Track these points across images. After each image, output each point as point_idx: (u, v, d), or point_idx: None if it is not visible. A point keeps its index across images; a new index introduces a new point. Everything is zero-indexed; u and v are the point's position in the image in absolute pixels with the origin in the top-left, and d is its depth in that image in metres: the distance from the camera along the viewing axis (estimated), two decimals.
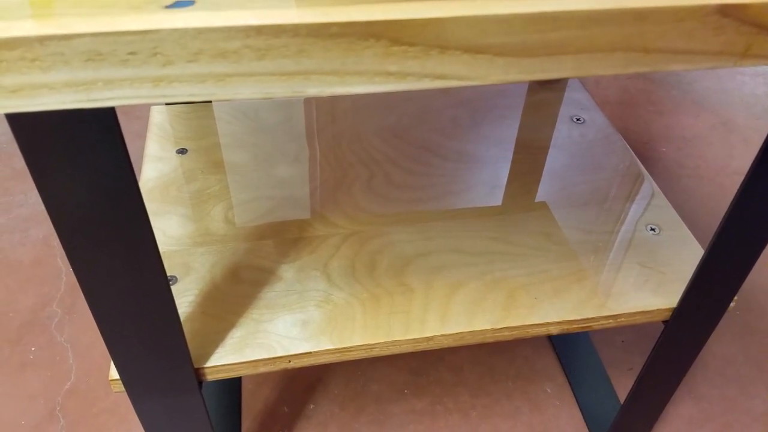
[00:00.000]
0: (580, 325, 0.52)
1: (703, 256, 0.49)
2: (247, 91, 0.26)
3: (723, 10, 0.27)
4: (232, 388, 0.75)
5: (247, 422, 0.72)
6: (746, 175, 0.44)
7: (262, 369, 0.48)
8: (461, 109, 0.74)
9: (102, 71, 0.25)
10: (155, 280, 0.39)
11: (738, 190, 0.45)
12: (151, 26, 0.24)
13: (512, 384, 0.77)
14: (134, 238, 0.36)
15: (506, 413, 0.74)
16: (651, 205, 0.62)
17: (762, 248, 0.49)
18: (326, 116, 0.72)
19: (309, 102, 0.74)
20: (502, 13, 0.25)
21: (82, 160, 0.32)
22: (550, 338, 0.83)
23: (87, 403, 0.73)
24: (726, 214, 0.46)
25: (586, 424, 0.74)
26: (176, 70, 0.25)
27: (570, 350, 0.81)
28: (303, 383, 0.76)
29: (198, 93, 0.26)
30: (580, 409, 0.75)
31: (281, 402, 0.74)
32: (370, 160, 0.67)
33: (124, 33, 0.24)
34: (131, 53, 0.25)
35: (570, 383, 0.78)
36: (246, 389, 0.76)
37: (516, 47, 0.27)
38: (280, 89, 0.26)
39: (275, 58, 0.25)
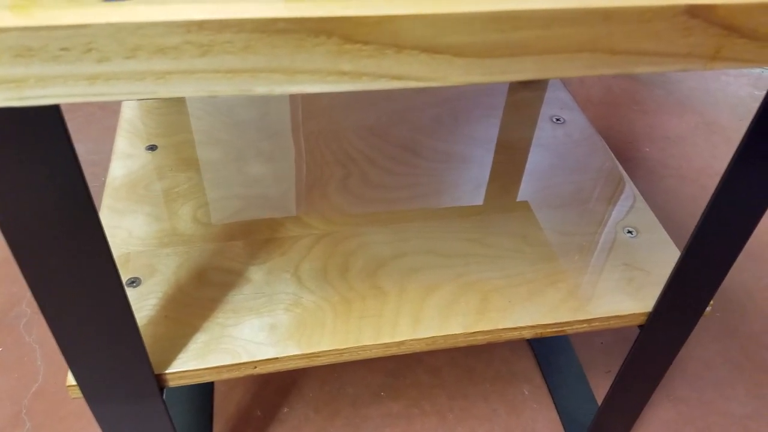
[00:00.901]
0: (554, 329, 0.51)
1: (678, 259, 0.48)
2: (189, 89, 0.24)
3: (691, 11, 0.26)
4: (203, 391, 0.73)
5: (219, 426, 0.71)
6: (722, 177, 0.43)
7: (227, 375, 0.47)
8: (441, 107, 0.73)
9: (33, 68, 0.23)
10: (109, 284, 0.37)
11: (714, 192, 0.44)
12: (84, 21, 0.22)
13: (490, 386, 0.77)
14: (85, 239, 0.35)
15: (483, 416, 0.73)
16: (629, 207, 0.62)
17: (738, 251, 0.48)
18: (303, 113, 0.71)
19: (285, 99, 0.73)
20: (460, 12, 0.24)
21: (26, 160, 0.31)
22: (529, 339, 0.82)
23: (54, 405, 0.72)
24: (702, 217, 0.45)
25: (564, 427, 0.73)
26: (113, 67, 0.24)
27: (548, 352, 0.80)
28: (277, 386, 0.75)
29: (137, 91, 0.24)
30: (558, 412, 0.74)
31: (254, 405, 0.73)
32: (347, 158, 0.65)
33: (55, 27, 0.22)
34: (64, 49, 0.23)
35: (548, 385, 0.77)
36: (218, 392, 0.74)
37: (476, 47, 0.25)
38: (225, 87, 0.24)
39: (219, 55, 0.24)
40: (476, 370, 0.78)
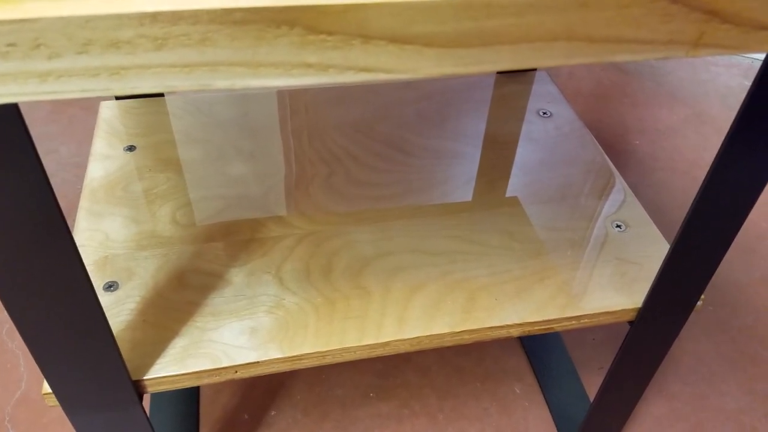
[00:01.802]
0: (542, 327, 0.50)
1: (668, 253, 0.48)
2: (146, 84, 0.23)
3: None
4: (189, 394, 0.72)
5: (205, 430, 0.70)
6: (710, 168, 0.42)
7: (207, 380, 0.45)
8: (426, 102, 0.72)
9: None
10: (80, 291, 0.36)
11: (702, 184, 0.43)
12: (30, 15, 0.21)
13: (481, 385, 0.76)
14: (53, 246, 0.33)
15: (474, 415, 0.72)
16: (618, 201, 0.61)
17: (729, 243, 0.48)
18: (285, 111, 0.70)
19: (267, 96, 0.71)
20: (429, 0, 0.23)
21: None
22: (520, 337, 0.81)
23: (37, 412, 0.70)
24: (690, 209, 0.45)
25: (556, 425, 0.72)
26: (64, 63, 0.22)
27: (540, 350, 0.79)
28: (264, 389, 0.74)
29: (92, 88, 0.23)
30: (550, 410, 0.73)
31: (241, 409, 0.72)
32: (330, 156, 0.64)
33: None
34: (10, 45, 0.22)
35: (539, 383, 0.76)
36: (205, 396, 0.73)
37: (447, 37, 0.24)
38: (184, 82, 0.23)
39: (175, 48, 0.22)
40: (466, 369, 0.77)
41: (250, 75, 0.24)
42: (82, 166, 1.03)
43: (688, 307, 0.52)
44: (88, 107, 1.15)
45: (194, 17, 0.22)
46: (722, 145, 0.40)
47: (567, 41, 0.25)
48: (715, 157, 0.41)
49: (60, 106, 1.15)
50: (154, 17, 0.22)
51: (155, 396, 0.71)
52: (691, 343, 0.82)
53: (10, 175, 0.30)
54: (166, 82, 0.23)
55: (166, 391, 0.71)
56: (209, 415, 0.71)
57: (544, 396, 0.75)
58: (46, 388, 0.43)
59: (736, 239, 0.97)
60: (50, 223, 0.32)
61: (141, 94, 0.72)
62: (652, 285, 0.50)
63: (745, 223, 0.99)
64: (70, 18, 0.21)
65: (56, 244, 0.33)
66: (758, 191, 0.43)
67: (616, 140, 1.14)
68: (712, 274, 0.50)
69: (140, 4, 0.22)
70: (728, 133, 0.40)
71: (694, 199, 0.44)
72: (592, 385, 0.77)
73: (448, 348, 0.79)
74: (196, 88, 0.23)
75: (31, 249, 0.33)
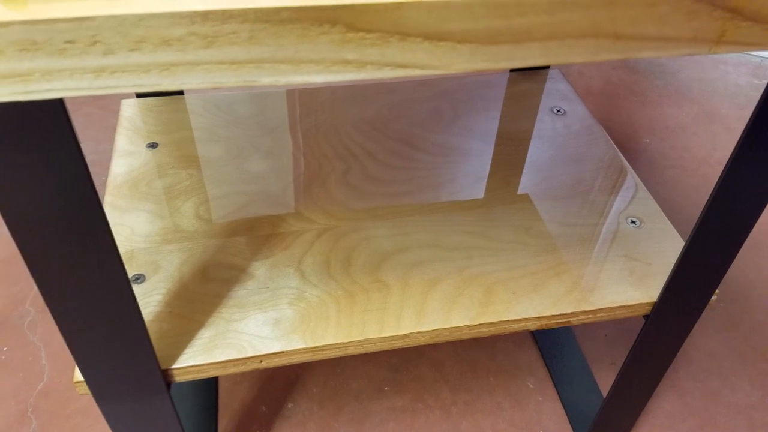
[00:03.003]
0: (559, 321, 0.51)
1: (683, 249, 0.48)
2: (195, 80, 0.24)
3: None
4: (208, 386, 0.73)
5: (224, 422, 0.71)
6: (725, 166, 0.43)
7: (233, 370, 0.47)
8: (441, 100, 0.73)
9: (38, 61, 0.23)
10: (115, 281, 0.37)
11: (717, 181, 0.44)
12: (87, 13, 0.22)
13: (494, 379, 0.77)
14: (90, 236, 0.35)
15: (487, 409, 0.73)
16: (632, 197, 0.62)
17: (743, 240, 0.48)
18: (303, 108, 0.71)
19: (285, 94, 0.73)
20: None
21: (31, 156, 0.31)
22: (533, 332, 0.82)
23: (60, 404, 0.72)
24: (705, 206, 0.45)
25: (569, 420, 0.73)
26: (118, 59, 0.24)
27: (552, 345, 0.80)
28: (281, 381, 0.75)
29: (143, 83, 0.24)
30: (563, 405, 0.74)
31: (259, 401, 0.73)
32: (347, 153, 0.65)
33: (58, 20, 0.22)
34: (69, 42, 0.23)
35: (552, 378, 0.77)
36: (223, 388, 0.74)
37: (480, 34, 0.25)
38: (231, 79, 0.24)
39: (223, 46, 0.24)
40: (479, 363, 0.78)
41: (292, 71, 0.25)
42: (99, 164, 1.04)
43: (702, 301, 0.53)
44: (105, 105, 1.17)
45: (243, 16, 0.23)
46: (737, 144, 0.41)
47: (594, 38, 0.26)
48: (729, 156, 0.42)
49: (76, 105, 1.17)
50: (205, 16, 0.23)
51: (175, 387, 0.72)
52: (703, 339, 0.83)
53: (54, 166, 0.31)
54: (213, 79, 0.24)
55: (186, 383, 0.73)
56: (228, 407, 0.72)
57: (557, 391, 0.76)
58: (78, 376, 0.45)
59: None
60: (89, 215, 0.34)
61: (162, 91, 0.73)
62: (667, 280, 0.51)
63: (757, 221, 1.00)
64: (125, 16, 0.23)
65: (94, 235, 0.35)
66: None
67: (625, 138, 1.15)
68: (726, 270, 0.51)
69: (192, 3, 0.23)
70: (743, 132, 0.41)
71: (710, 196, 0.45)
72: (604, 380, 0.78)
73: (462, 342, 0.80)
74: (241, 85, 0.25)
75: (71, 239, 0.34)
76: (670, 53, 0.27)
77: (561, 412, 0.74)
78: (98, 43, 0.23)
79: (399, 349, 0.68)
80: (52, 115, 0.29)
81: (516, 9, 0.25)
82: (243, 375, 0.76)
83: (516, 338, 0.81)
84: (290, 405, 0.73)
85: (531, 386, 0.76)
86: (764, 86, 1.23)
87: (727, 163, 0.42)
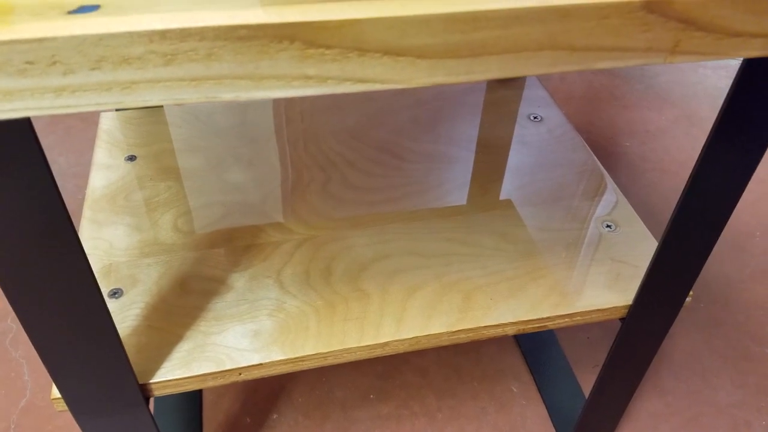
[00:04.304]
0: (536, 325, 0.52)
1: (656, 251, 0.49)
2: (156, 97, 0.24)
3: (648, 6, 0.26)
4: (192, 399, 0.73)
5: None
6: (695, 166, 0.43)
7: (211, 383, 0.47)
8: (420, 108, 0.74)
9: None
10: (89, 298, 0.37)
11: (687, 182, 0.44)
12: (47, 34, 0.23)
13: (478, 384, 0.77)
14: (62, 254, 0.35)
15: (472, 414, 0.74)
16: (607, 201, 0.62)
17: (715, 239, 0.49)
18: (282, 118, 0.71)
19: (265, 104, 0.73)
20: (420, 14, 0.25)
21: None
22: (516, 337, 0.83)
23: (42, 420, 0.71)
24: (676, 207, 0.46)
25: (553, 423, 0.73)
26: (78, 78, 0.24)
27: (535, 348, 0.81)
28: (266, 392, 0.75)
29: (105, 102, 0.25)
30: (546, 408, 0.75)
31: (244, 412, 0.73)
32: (327, 162, 0.66)
33: (18, 42, 0.23)
34: (29, 62, 0.23)
35: (536, 382, 0.77)
36: (207, 400, 0.74)
37: (438, 49, 0.26)
38: (192, 95, 0.25)
39: (183, 63, 0.24)
40: (464, 368, 0.79)
41: (253, 87, 0.25)
42: (81, 176, 1.04)
43: (677, 303, 0.54)
44: (86, 118, 1.17)
45: (201, 34, 0.23)
46: (704, 145, 0.42)
47: (551, 50, 0.27)
48: (698, 157, 0.42)
49: (58, 118, 1.17)
50: (163, 35, 0.23)
51: (158, 401, 0.72)
52: (684, 339, 0.84)
53: (22, 185, 0.31)
54: (174, 95, 0.25)
55: (169, 397, 0.72)
56: (212, 420, 0.72)
57: (541, 394, 0.76)
58: (55, 393, 0.45)
59: (727, 237, 0.98)
60: (60, 232, 0.34)
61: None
62: (641, 282, 0.52)
63: (736, 222, 1.01)
64: (84, 36, 0.23)
65: (66, 252, 0.35)
66: (740, 189, 0.45)
67: (606, 142, 1.16)
68: (700, 270, 0.52)
69: (150, 22, 0.23)
70: (710, 133, 0.41)
71: (680, 197, 0.45)
72: (588, 382, 0.78)
73: (446, 348, 0.81)
74: (203, 101, 0.25)
75: (42, 257, 0.34)
76: (627, 63, 0.28)
77: (545, 415, 0.74)
78: (58, 63, 0.23)
79: (381, 356, 0.69)
80: (19, 134, 0.30)
81: (472, 24, 0.25)
82: (227, 386, 0.76)
83: (500, 343, 0.82)
84: (275, 416, 0.73)
85: (515, 390, 0.77)
86: None
87: (696, 165, 0.43)
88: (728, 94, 0.39)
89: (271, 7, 0.24)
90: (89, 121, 1.16)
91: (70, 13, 0.24)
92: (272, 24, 0.23)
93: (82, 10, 0.24)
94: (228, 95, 0.25)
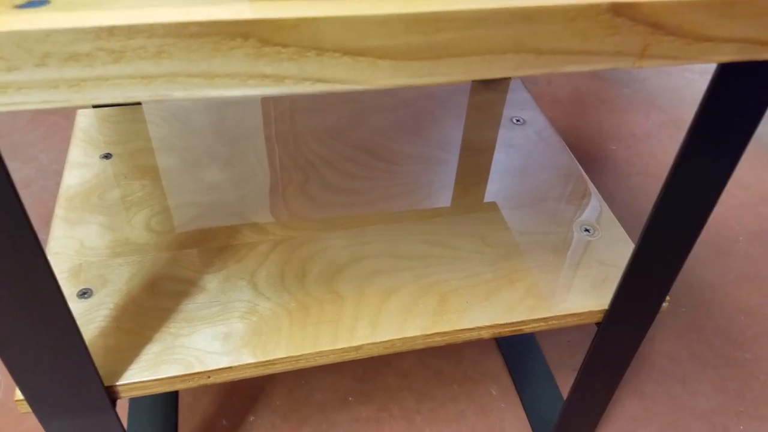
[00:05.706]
0: (511, 329, 0.51)
1: (631, 255, 0.49)
2: (106, 95, 0.24)
3: (615, 9, 0.26)
4: (168, 401, 0.72)
5: None
6: (671, 169, 0.43)
7: (180, 386, 0.46)
8: (402, 110, 0.73)
9: None
10: (50, 298, 0.36)
11: (663, 185, 0.44)
12: None
13: (458, 387, 0.76)
14: (21, 254, 0.34)
15: (451, 417, 0.73)
16: (587, 205, 0.62)
17: (692, 244, 0.49)
18: (261, 118, 0.70)
19: (245, 104, 0.72)
20: (380, 14, 0.24)
21: None
22: (497, 339, 0.82)
23: (14, 419, 0.70)
24: (652, 210, 0.46)
25: (531, 426, 0.73)
26: (23, 75, 0.23)
27: (515, 351, 0.80)
28: (244, 394, 0.74)
29: (52, 99, 0.24)
30: (525, 411, 0.74)
31: (220, 415, 0.72)
32: (306, 163, 0.65)
33: None
34: None
35: (515, 385, 0.77)
36: (184, 402, 0.73)
37: (399, 50, 0.25)
38: (143, 93, 0.24)
39: (132, 61, 0.23)
40: (444, 371, 0.78)
41: (207, 85, 0.24)
42: (62, 174, 1.02)
43: (654, 308, 0.54)
44: (68, 115, 1.15)
45: (150, 31, 0.22)
46: (680, 149, 0.42)
47: (516, 53, 0.26)
48: (673, 161, 0.42)
49: (41, 115, 1.15)
50: (111, 31, 0.22)
51: (133, 402, 0.71)
52: (665, 344, 0.84)
53: None
54: (125, 93, 0.24)
55: (145, 398, 0.71)
56: (188, 422, 0.71)
57: (520, 397, 0.76)
58: (19, 395, 0.44)
59: (710, 242, 0.99)
60: (19, 233, 0.33)
61: (117, 102, 0.72)
62: (617, 286, 0.51)
63: (720, 227, 1.01)
64: (28, 32, 0.22)
65: (25, 253, 0.34)
66: (717, 194, 0.45)
67: (593, 146, 1.16)
68: (677, 275, 0.51)
69: (97, 18, 0.22)
70: (685, 138, 0.41)
71: (655, 202, 0.45)
72: (567, 386, 0.78)
73: (427, 351, 0.80)
74: (155, 99, 0.24)
75: (1, 258, 0.33)
76: (594, 67, 0.28)
77: (523, 418, 0.74)
78: (1, 59, 0.22)
79: (355, 359, 0.68)
80: None
81: (434, 25, 0.25)
82: (204, 388, 0.75)
83: (481, 345, 0.81)
84: (252, 418, 0.72)
85: (494, 393, 0.76)
86: None
87: (671, 168, 0.43)
88: (703, 99, 0.39)
89: (224, 5, 0.23)
90: (72, 118, 1.15)
91: (17, 7, 0.23)
92: (224, 21, 0.23)
93: (31, 5, 0.24)
94: (181, 93, 0.24)
